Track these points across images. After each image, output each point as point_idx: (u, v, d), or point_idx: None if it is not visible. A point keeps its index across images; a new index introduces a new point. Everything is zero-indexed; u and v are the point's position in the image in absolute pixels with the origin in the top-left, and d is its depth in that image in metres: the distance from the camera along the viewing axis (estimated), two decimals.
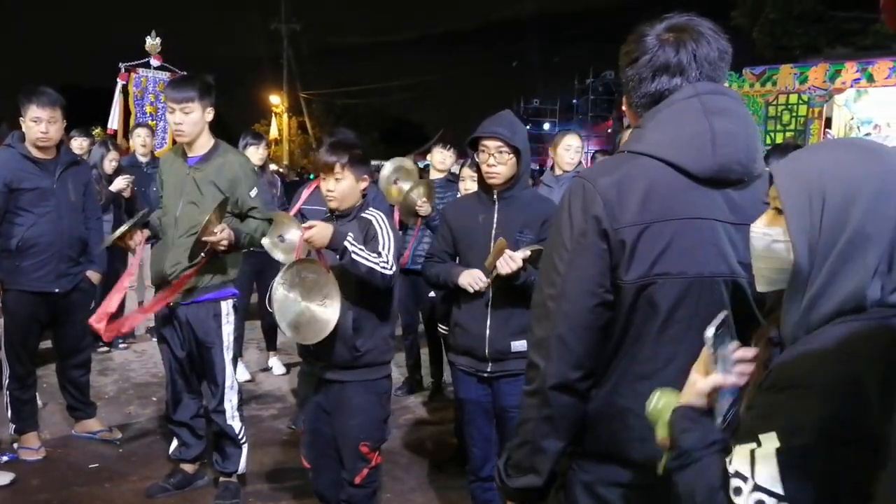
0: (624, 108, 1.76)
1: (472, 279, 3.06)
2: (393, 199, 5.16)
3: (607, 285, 1.51)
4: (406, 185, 5.18)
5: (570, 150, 5.22)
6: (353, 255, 2.84)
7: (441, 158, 5.58)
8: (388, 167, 5.51)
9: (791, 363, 1.15)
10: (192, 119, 3.58)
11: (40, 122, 4.04)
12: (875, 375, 1.07)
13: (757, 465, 1.09)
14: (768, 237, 1.25)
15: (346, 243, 2.84)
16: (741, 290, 1.54)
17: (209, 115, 3.66)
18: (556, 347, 1.53)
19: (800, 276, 1.19)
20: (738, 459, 1.13)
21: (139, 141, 6.73)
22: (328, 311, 2.94)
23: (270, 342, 6.28)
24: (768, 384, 1.16)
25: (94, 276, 4.45)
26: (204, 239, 3.38)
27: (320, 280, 2.96)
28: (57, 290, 4.20)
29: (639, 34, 1.62)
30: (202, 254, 3.50)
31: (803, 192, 1.19)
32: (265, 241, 3.53)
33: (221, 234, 3.41)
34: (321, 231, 2.86)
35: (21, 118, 4.11)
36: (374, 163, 5.03)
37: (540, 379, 1.55)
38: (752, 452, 1.11)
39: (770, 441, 1.09)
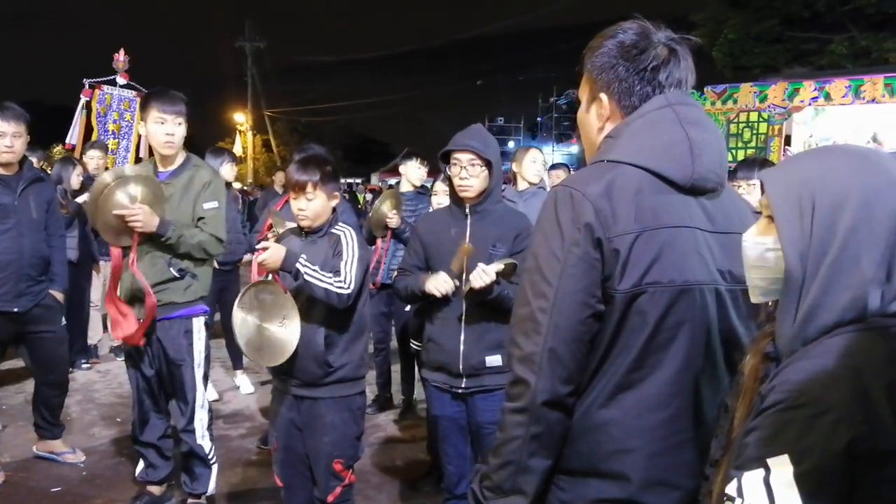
0: (591, 92, 1.66)
1: (437, 283, 3.03)
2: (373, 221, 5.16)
3: (599, 295, 1.47)
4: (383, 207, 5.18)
5: (536, 163, 5.28)
6: (307, 277, 2.83)
7: (418, 175, 5.59)
8: (381, 202, 5.38)
9: (798, 381, 1.10)
10: (181, 132, 3.58)
11: (5, 137, 3.98)
12: (882, 388, 1.05)
13: (777, 497, 1.04)
14: (761, 246, 1.23)
15: (298, 265, 2.83)
16: (721, 297, 1.55)
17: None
18: (547, 361, 1.47)
19: (792, 284, 1.16)
20: (751, 491, 1.07)
21: (93, 164, 6.66)
22: (288, 332, 2.93)
23: (237, 361, 6.20)
24: (772, 403, 1.11)
25: (57, 294, 4.36)
26: (116, 212, 3.31)
27: (278, 301, 2.95)
28: (16, 310, 4.09)
29: (645, 31, 1.59)
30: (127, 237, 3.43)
31: (793, 198, 1.17)
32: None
33: (136, 209, 3.33)
34: (274, 254, 2.84)
35: None
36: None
37: (529, 395, 1.48)
38: (767, 481, 1.05)
39: (782, 465, 1.05)
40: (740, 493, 1.08)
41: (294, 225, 3.14)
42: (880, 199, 1.13)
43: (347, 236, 3.01)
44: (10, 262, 4.03)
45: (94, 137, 8.09)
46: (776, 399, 1.10)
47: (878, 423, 1.03)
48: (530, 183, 5.25)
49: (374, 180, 29.05)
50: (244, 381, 6.12)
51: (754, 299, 1.29)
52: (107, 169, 6.85)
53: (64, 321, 4.51)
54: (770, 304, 1.31)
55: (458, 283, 3.03)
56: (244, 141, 34.35)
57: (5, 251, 4.02)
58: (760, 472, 1.06)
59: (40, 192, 4.24)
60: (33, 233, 4.14)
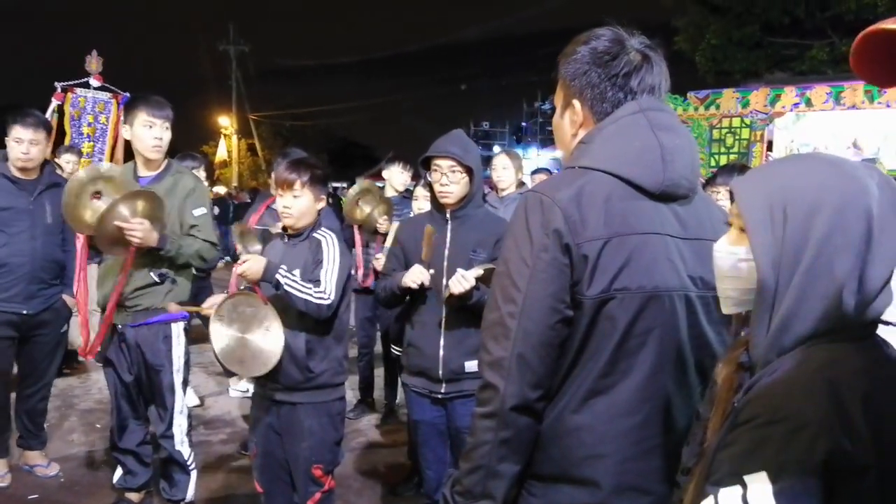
0: (565, 98, 1.67)
1: (413, 276, 3.03)
2: (355, 219, 5.22)
3: (568, 301, 1.48)
4: (367, 206, 5.22)
5: (496, 170, 5.33)
6: (287, 288, 2.84)
7: (401, 179, 5.64)
8: (354, 189, 5.58)
9: (774, 395, 1.08)
10: (168, 137, 3.61)
11: (22, 143, 4.04)
12: (858, 401, 1.04)
13: None
14: (734, 256, 1.22)
15: (278, 276, 2.84)
16: (691, 303, 1.56)
17: None
18: (516, 367, 1.48)
19: (765, 294, 1.15)
20: None
21: (67, 168, 6.59)
22: (271, 340, 2.93)
23: (229, 370, 6.09)
24: (748, 417, 1.09)
25: (69, 300, 4.34)
26: (116, 223, 3.27)
27: (259, 312, 2.96)
28: (26, 311, 4.11)
29: (618, 37, 1.60)
30: (121, 248, 3.39)
31: (764, 206, 1.16)
32: (240, 248, 3.45)
33: (136, 224, 3.28)
34: (254, 265, 2.85)
35: (6, 138, 4.10)
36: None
37: (498, 400, 1.49)
38: (745, 499, 1.04)
39: (759, 482, 1.03)
40: None
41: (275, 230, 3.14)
42: (853, 206, 1.12)
43: (328, 242, 3.01)
44: (22, 264, 4.06)
45: (66, 141, 7.95)
46: (753, 414, 1.08)
47: (856, 436, 1.02)
48: (500, 189, 5.29)
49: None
50: (242, 385, 5.98)
51: (726, 310, 1.28)
52: None
53: (66, 327, 4.50)
54: (743, 312, 1.29)
55: (432, 272, 3.04)
56: (229, 145, 34.16)
57: (18, 254, 4.05)
58: (738, 489, 1.05)
59: (57, 196, 4.20)
60: (47, 237, 4.16)
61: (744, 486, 1.04)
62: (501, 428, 1.50)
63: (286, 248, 3.07)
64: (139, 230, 3.30)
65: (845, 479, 1.01)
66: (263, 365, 2.94)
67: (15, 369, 4.39)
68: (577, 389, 1.51)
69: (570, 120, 1.66)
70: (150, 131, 3.55)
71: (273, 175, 4.29)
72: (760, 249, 1.15)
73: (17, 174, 4.11)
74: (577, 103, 1.63)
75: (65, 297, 4.32)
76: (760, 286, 1.15)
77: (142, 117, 3.54)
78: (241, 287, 3.28)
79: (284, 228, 3.11)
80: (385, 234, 5.07)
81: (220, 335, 2.96)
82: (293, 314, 2.94)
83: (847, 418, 1.02)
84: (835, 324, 1.12)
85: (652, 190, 1.53)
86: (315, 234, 3.05)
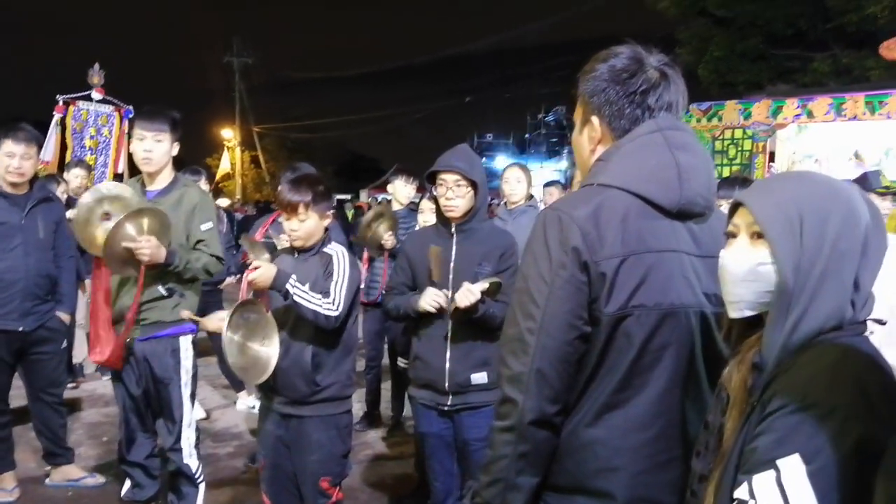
0: (584, 115, 1.69)
1: (430, 299, 3.05)
2: (365, 239, 5.23)
3: (586, 317, 1.50)
4: (375, 224, 5.25)
5: (509, 182, 5.33)
6: (296, 298, 2.85)
7: (406, 193, 5.63)
8: (369, 214, 5.59)
9: (801, 384, 1.14)
10: (161, 149, 3.58)
11: (14, 158, 4.02)
12: (878, 390, 1.12)
13: (791, 496, 1.08)
14: (751, 261, 1.26)
15: (288, 285, 2.85)
16: (706, 320, 1.58)
17: (175, 149, 3.66)
18: (535, 382, 1.50)
19: (784, 296, 1.21)
20: (764, 493, 1.10)
21: (75, 182, 6.60)
22: (268, 350, 2.96)
23: (236, 384, 6.11)
24: (777, 407, 1.15)
25: (64, 316, 4.34)
26: (125, 244, 3.28)
27: (261, 320, 2.99)
28: (21, 329, 4.08)
29: (637, 55, 1.62)
30: (131, 268, 3.40)
31: (783, 216, 1.24)
32: (251, 257, 3.48)
33: (143, 242, 3.30)
34: (264, 273, 2.86)
35: None
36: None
37: (517, 414, 1.52)
38: (779, 482, 1.09)
39: (793, 464, 1.09)
40: (752, 496, 1.12)
41: (284, 244, 3.16)
42: (854, 215, 1.24)
43: (339, 256, 3.04)
44: (15, 280, 4.03)
45: (68, 154, 7.95)
46: (782, 403, 1.14)
47: (881, 422, 1.08)
48: (511, 202, 5.31)
49: (364, 196, 29.03)
50: (250, 400, 5.99)
51: (737, 314, 1.31)
52: (87, 188, 6.79)
53: (65, 343, 4.47)
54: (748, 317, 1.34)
55: (446, 293, 3.06)
56: (232, 157, 34.28)
57: (10, 270, 4.03)
58: (772, 473, 1.10)
59: (49, 212, 4.25)
60: (39, 252, 4.15)
61: (777, 470, 1.09)
62: (520, 442, 1.53)
63: (296, 262, 3.09)
64: (147, 248, 3.31)
65: (873, 465, 1.05)
66: (261, 373, 2.96)
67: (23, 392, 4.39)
68: (593, 403, 1.53)
69: (588, 136, 1.68)
70: (141, 144, 3.55)
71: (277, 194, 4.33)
72: (783, 255, 1.22)
73: (8, 189, 4.09)
74: (595, 120, 1.65)
75: (59, 314, 4.30)
76: (782, 289, 1.22)
77: (135, 131, 3.58)
78: (250, 295, 3.30)
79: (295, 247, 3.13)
80: (390, 250, 5.09)
81: (229, 343, 2.98)
82: (302, 327, 2.96)
83: (873, 405, 1.10)
84: (838, 322, 1.21)
85: (668, 208, 1.55)
86: (325, 250, 3.07)
